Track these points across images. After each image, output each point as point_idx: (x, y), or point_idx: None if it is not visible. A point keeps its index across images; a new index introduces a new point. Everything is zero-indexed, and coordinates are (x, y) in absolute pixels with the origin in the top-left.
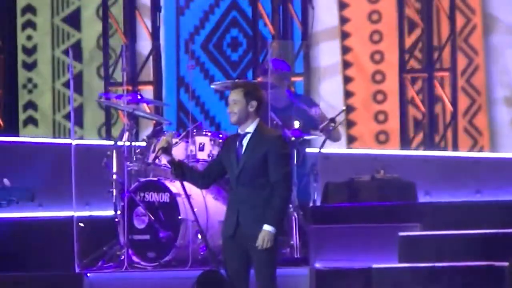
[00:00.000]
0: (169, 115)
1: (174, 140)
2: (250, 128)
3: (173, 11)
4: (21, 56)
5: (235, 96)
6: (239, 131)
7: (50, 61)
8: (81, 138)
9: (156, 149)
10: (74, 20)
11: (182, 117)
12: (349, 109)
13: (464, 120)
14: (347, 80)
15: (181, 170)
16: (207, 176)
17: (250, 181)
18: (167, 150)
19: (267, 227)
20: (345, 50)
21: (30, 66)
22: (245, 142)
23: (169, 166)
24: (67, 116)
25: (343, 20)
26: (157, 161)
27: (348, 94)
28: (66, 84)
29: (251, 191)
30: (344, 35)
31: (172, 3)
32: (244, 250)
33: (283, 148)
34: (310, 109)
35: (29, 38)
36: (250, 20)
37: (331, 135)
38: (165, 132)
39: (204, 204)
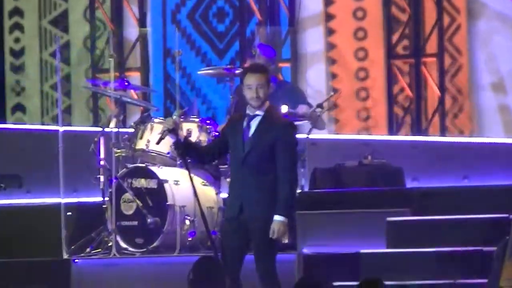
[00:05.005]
0: (156, 101)
1: (160, 126)
2: (261, 110)
3: None
4: (9, 59)
5: (260, 79)
6: (247, 111)
7: (38, 64)
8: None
9: (161, 130)
10: (61, 22)
11: (169, 87)
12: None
13: (450, 106)
14: (332, 66)
15: (186, 149)
16: (211, 153)
17: (255, 165)
18: (174, 130)
19: (278, 218)
20: (330, 33)
21: (18, 69)
22: (253, 124)
23: (174, 148)
24: (55, 119)
25: (328, 3)
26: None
27: (333, 78)
28: (54, 86)
29: (255, 175)
30: (329, 19)
31: None
32: (245, 233)
33: (292, 137)
34: (295, 108)
35: (17, 40)
36: None
37: (317, 123)
38: (174, 116)
39: (192, 190)
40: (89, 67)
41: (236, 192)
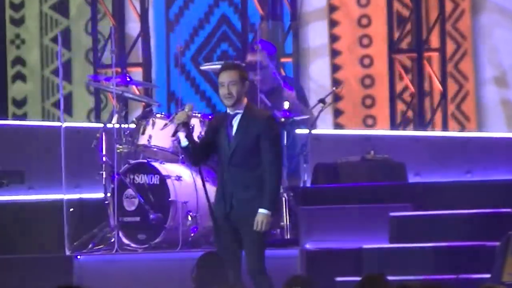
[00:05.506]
0: (159, 96)
1: (162, 122)
2: (240, 108)
3: None
4: (8, 12)
5: (233, 77)
6: (228, 111)
7: (38, 17)
8: (70, 93)
9: (176, 123)
10: None
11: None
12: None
13: (452, 101)
14: (334, 63)
15: (193, 145)
16: (202, 153)
17: (242, 162)
18: (187, 124)
19: (262, 210)
20: (333, 28)
21: (18, 22)
22: (235, 122)
23: (182, 141)
24: (55, 72)
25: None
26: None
27: (335, 80)
28: (54, 40)
29: (243, 171)
30: (332, 19)
31: None
32: (236, 229)
33: (274, 129)
34: (288, 91)
35: None
36: (239, 33)
37: (314, 122)
38: (185, 104)
39: (194, 186)
40: (88, 20)
41: (225, 190)
